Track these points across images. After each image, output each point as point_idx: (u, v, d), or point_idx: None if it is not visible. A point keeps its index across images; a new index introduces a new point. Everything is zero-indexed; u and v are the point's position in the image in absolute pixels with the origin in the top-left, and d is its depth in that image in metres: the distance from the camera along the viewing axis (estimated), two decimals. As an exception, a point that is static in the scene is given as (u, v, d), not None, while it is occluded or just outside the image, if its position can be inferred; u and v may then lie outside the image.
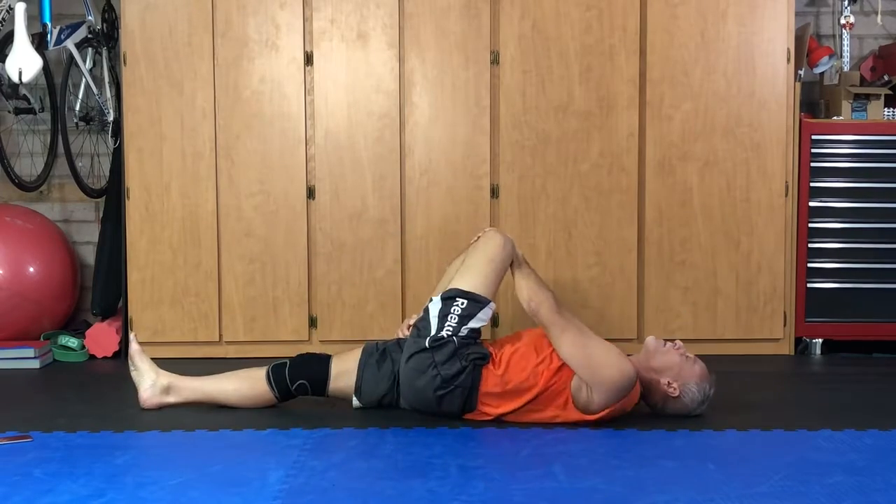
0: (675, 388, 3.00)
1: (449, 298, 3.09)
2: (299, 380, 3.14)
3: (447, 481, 2.44)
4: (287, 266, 4.12)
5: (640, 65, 4.10)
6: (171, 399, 3.20)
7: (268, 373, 3.18)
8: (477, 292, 3.09)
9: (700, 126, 4.11)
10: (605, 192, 4.12)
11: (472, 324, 3.06)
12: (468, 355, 3.01)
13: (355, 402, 3.15)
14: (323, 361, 3.18)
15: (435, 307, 3.10)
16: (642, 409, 3.05)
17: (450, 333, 3.03)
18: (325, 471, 2.53)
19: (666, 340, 3.10)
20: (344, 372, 3.16)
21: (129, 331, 3.30)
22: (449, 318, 3.05)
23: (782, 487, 2.39)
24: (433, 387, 3.01)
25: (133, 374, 3.25)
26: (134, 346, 3.27)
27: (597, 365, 2.91)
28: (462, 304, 3.07)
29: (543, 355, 3.02)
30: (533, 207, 4.11)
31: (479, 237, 3.27)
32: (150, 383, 3.20)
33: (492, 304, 3.13)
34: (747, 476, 2.48)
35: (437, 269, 4.10)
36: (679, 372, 3.02)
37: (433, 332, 3.05)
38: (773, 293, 4.15)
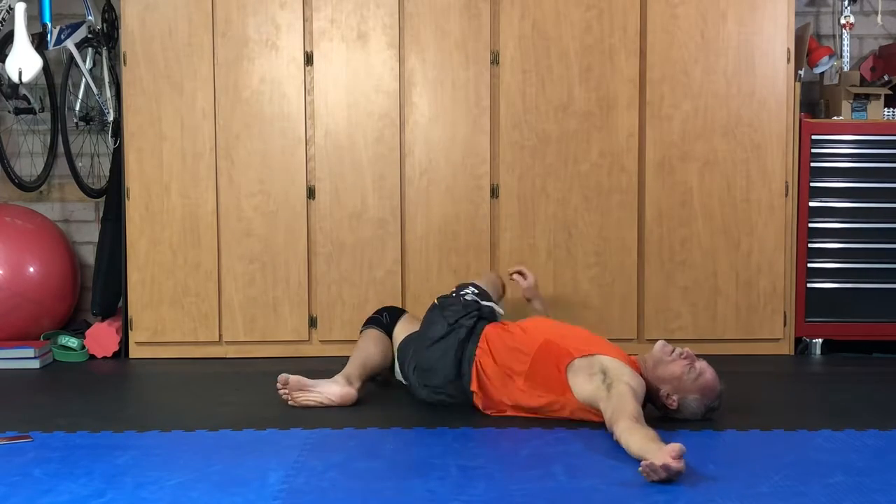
0: (673, 401, 2.95)
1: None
2: (383, 312, 3.55)
3: (447, 481, 2.44)
4: (287, 266, 4.12)
5: (640, 65, 4.10)
6: (357, 384, 3.30)
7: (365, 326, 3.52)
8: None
9: (700, 126, 4.11)
10: (605, 192, 4.12)
11: (484, 301, 3.38)
12: (471, 309, 3.30)
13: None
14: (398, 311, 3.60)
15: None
16: (647, 412, 3.04)
17: (456, 294, 3.40)
18: (325, 471, 2.53)
19: (675, 347, 3.02)
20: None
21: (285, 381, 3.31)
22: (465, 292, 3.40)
23: (782, 487, 2.39)
24: (439, 333, 3.25)
25: (314, 397, 3.26)
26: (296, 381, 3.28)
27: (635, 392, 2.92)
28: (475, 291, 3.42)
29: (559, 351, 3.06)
30: (533, 207, 4.11)
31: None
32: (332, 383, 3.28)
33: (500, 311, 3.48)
34: (747, 476, 2.48)
35: (437, 269, 4.11)
36: (678, 385, 2.95)
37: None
38: (773, 293, 4.15)
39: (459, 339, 3.19)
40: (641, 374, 2.98)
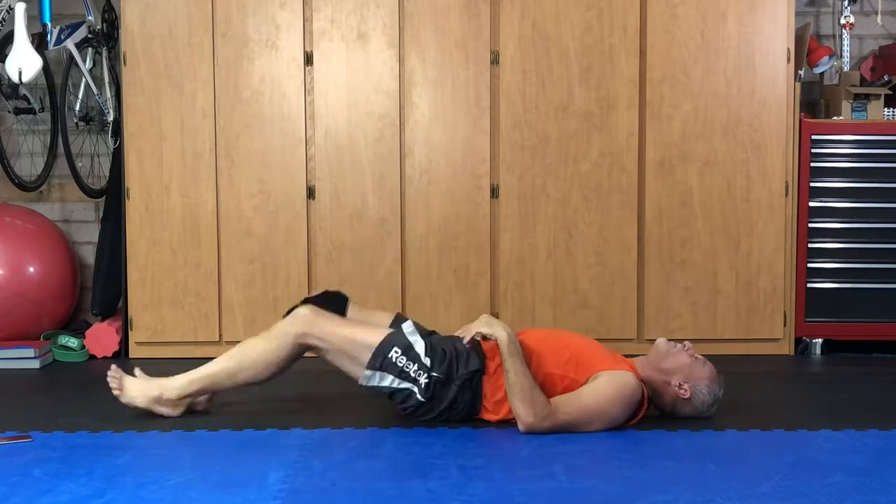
0: (685, 390, 2.98)
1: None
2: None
3: (447, 481, 2.44)
4: (287, 266, 4.12)
5: (640, 65, 4.10)
6: (181, 407, 3.09)
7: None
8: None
9: (700, 126, 4.11)
10: (605, 192, 4.12)
11: (418, 351, 2.95)
12: (456, 379, 2.96)
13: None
14: (341, 301, 3.18)
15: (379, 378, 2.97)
16: (647, 412, 3.04)
17: (426, 375, 2.94)
18: (325, 471, 2.53)
19: (675, 342, 3.08)
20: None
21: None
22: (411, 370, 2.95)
23: (782, 487, 2.39)
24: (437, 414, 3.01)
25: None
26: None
27: (606, 412, 2.88)
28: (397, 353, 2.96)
29: (557, 360, 2.98)
30: (533, 207, 4.11)
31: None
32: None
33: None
34: (747, 476, 2.48)
35: (437, 269, 4.11)
36: (689, 374, 2.99)
37: (421, 386, 2.96)
38: (773, 293, 4.16)
39: (465, 405, 3.01)
40: (641, 378, 2.98)
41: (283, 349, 2.99)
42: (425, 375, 2.95)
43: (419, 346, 2.97)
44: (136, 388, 3.05)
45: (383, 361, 2.94)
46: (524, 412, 2.84)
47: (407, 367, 2.94)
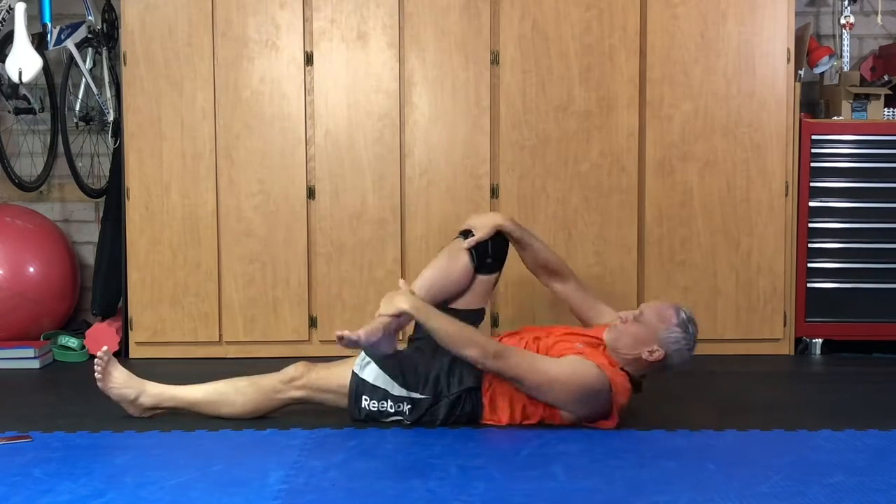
0: (656, 351, 2.89)
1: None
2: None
3: (447, 481, 2.44)
4: (287, 266, 4.12)
5: (640, 65, 4.09)
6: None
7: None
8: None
9: (700, 126, 4.11)
10: (605, 192, 4.11)
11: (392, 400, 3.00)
12: (446, 396, 2.96)
13: None
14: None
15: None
16: (642, 409, 3.04)
17: (406, 402, 2.98)
18: (325, 471, 2.53)
19: (614, 323, 3.00)
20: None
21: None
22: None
23: (782, 487, 2.39)
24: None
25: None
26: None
27: (557, 385, 2.85)
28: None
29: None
30: (533, 207, 4.11)
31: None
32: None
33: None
34: (747, 476, 2.48)
35: (437, 269, 4.10)
36: (646, 337, 2.90)
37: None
38: (773, 293, 4.15)
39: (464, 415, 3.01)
40: (621, 368, 2.94)
41: (270, 402, 3.07)
42: (406, 402, 2.98)
43: (380, 379, 2.99)
44: (118, 381, 3.05)
45: (361, 413, 3.00)
46: (472, 352, 2.84)
47: (383, 407, 2.99)
